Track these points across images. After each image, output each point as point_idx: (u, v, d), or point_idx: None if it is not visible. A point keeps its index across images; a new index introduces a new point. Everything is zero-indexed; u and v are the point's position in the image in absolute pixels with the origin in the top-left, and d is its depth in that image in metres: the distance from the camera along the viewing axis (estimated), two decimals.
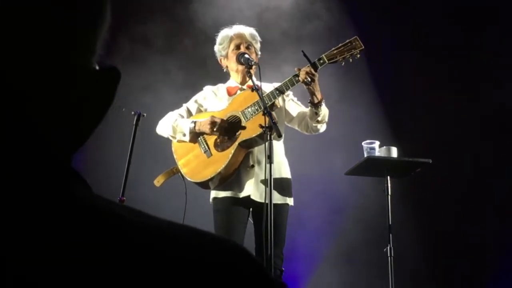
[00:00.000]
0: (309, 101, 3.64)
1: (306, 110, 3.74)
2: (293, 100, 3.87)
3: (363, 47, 3.64)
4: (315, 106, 3.61)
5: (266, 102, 3.49)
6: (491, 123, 5.69)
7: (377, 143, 4.02)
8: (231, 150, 3.61)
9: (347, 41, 3.66)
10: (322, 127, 3.77)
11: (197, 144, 3.74)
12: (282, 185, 3.64)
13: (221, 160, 3.62)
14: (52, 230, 0.46)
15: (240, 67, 3.75)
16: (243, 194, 3.61)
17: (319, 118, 3.66)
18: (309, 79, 3.50)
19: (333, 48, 3.65)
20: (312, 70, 3.52)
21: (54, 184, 0.50)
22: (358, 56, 3.66)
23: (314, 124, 3.70)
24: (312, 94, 3.57)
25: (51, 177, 0.50)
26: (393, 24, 5.98)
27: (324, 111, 3.67)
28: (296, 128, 3.86)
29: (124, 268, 0.45)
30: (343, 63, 3.67)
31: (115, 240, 0.47)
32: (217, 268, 0.48)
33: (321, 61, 3.59)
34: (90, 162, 5.22)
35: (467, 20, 5.95)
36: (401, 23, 6.00)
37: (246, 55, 3.68)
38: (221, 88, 3.90)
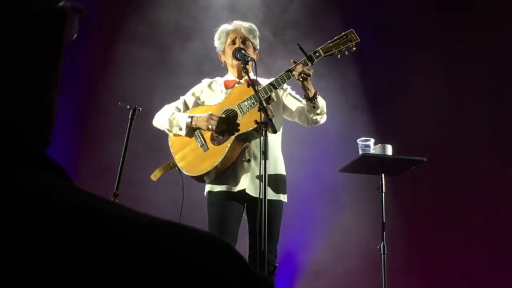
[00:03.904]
0: (304, 96, 3.65)
1: (305, 103, 3.73)
2: (291, 94, 3.87)
3: (359, 39, 3.64)
4: (311, 100, 3.62)
5: (262, 95, 3.49)
6: (487, 121, 5.70)
7: (372, 140, 4.02)
8: (228, 144, 3.61)
9: (343, 33, 3.66)
10: (322, 119, 3.76)
11: (193, 138, 3.73)
12: (276, 181, 3.65)
13: (217, 154, 3.62)
14: None
15: (236, 63, 3.75)
16: (238, 188, 3.61)
17: (318, 111, 3.67)
18: (305, 76, 3.50)
19: (329, 41, 3.64)
20: (308, 67, 3.52)
21: None
22: (354, 49, 3.66)
23: (314, 117, 3.70)
24: (306, 89, 3.58)
25: None
26: (387, 21, 5.98)
27: (321, 103, 3.67)
28: (297, 121, 3.86)
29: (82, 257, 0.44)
30: (339, 56, 3.67)
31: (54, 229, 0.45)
32: (199, 264, 0.48)
33: (317, 54, 3.59)
34: (85, 156, 5.22)
35: (464, 16, 5.96)
36: (396, 20, 6.00)
37: (243, 51, 3.68)
38: (219, 81, 3.91)
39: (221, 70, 3.98)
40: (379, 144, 4.01)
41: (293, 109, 3.82)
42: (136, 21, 5.64)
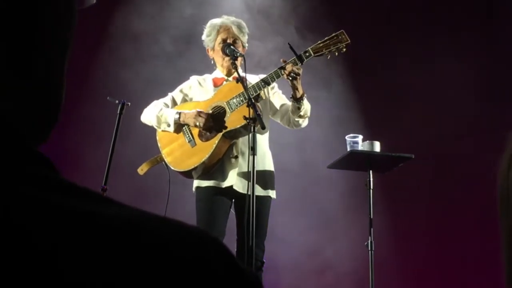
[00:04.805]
0: (291, 96, 3.65)
1: (290, 104, 3.74)
2: (278, 93, 3.88)
3: (349, 41, 3.65)
4: (297, 101, 3.62)
5: (251, 93, 3.50)
6: (476, 118, 5.73)
7: (360, 137, 4.03)
8: (215, 141, 3.62)
9: (333, 34, 3.67)
10: (304, 122, 3.78)
11: (181, 134, 3.74)
12: (264, 177, 3.65)
13: (205, 150, 3.63)
14: None
15: (226, 62, 3.75)
16: (226, 184, 3.62)
17: (302, 113, 3.67)
18: (294, 75, 3.51)
19: (319, 41, 3.65)
20: (298, 66, 3.53)
21: None
22: (344, 50, 3.67)
23: (296, 119, 3.71)
24: (295, 89, 3.58)
25: None
26: (377, 16, 6.00)
27: (306, 106, 3.68)
28: (279, 121, 3.87)
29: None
30: (329, 56, 3.68)
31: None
32: (185, 258, 0.48)
33: (307, 54, 3.60)
34: (73, 150, 5.20)
35: (448, 13, 5.99)
36: (385, 18, 6.02)
37: (232, 47, 3.68)
38: (208, 78, 3.91)
39: (210, 66, 3.97)
40: (367, 141, 4.03)
41: (278, 108, 3.83)
42: (131, 16, 5.61)
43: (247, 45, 3.91)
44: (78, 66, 5.04)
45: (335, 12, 5.75)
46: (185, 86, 3.92)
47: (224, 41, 3.79)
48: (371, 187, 4.02)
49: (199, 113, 3.64)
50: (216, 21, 3.87)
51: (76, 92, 5.21)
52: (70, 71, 0.59)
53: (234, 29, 3.82)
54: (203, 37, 3.91)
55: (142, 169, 3.80)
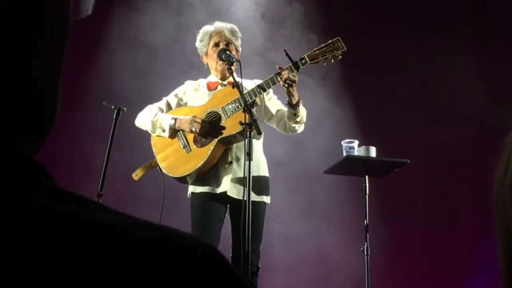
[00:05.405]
0: (287, 102, 3.65)
1: (286, 109, 3.74)
2: (273, 99, 3.89)
3: (345, 48, 3.65)
4: (293, 107, 3.63)
5: (247, 99, 3.49)
6: (471, 123, 5.74)
7: (356, 142, 4.03)
8: (211, 147, 3.61)
9: (330, 41, 3.67)
10: (300, 128, 3.78)
11: (176, 139, 3.73)
12: (259, 183, 3.65)
13: (200, 156, 3.62)
14: None
15: (220, 66, 3.76)
16: (220, 190, 3.61)
17: (298, 119, 3.68)
18: (290, 82, 3.51)
19: (315, 49, 3.65)
20: (294, 73, 3.53)
21: None
22: (340, 57, 3.67)
23: (292, 125, 3.71)
24: (291, 95, 3.58)
25: None
26: (372, 24, 6.01)
27: (302, 111, 3.68)
28: (275, 127, 3.87)
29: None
30: (325, 63, 3.69)
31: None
32: (180, 265, 0.48)
33: (303, 61, 3.59)
34: (69, 155, 5.19)
35: (443, 19, 6.01)
36: (379, 23, 6.03)
37: (228, 52, 3.68)
38: (202, 83, 3.91)
39: (205, 72, 3.98)
40: (363, 146, 4.03)
41: (273, 113, 3.84)
42: (129, 21, 5.61)
43: (240, 49, 3.91)
44: (74, 71, 5.04)
45: (332, 13, 5.77)
46: (179, 90, 3.92)
47: (216, 44, 3.81)
48: (367, 192, 4.02)
49: (194, 119, 3.63)
50: (209, 27, 3.89)
51: (72, 97, 5.20)
52: (66, 75, 0.59)
53: (227, 33, 3.83)
54: (196, 43, 3.93)
55: (136, 175, 3.79)
